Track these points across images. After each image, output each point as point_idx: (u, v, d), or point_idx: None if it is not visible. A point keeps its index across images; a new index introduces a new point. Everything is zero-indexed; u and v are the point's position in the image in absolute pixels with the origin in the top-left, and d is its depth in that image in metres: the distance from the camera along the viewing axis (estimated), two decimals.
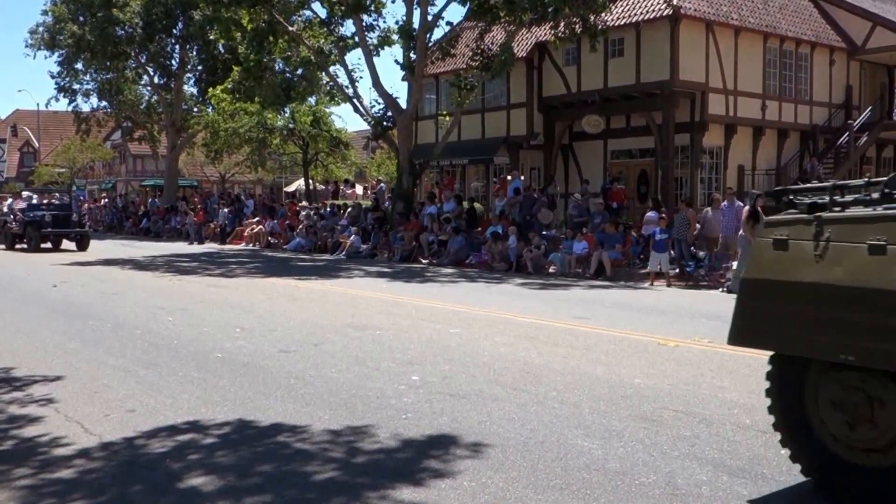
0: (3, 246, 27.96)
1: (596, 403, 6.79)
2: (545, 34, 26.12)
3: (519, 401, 6.90)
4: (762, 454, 5.48)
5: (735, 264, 15.80)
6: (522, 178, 26.35)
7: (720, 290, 15.65)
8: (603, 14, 23.54)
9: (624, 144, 27.56)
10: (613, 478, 5.04)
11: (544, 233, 21.30)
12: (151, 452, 5.67)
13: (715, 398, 6.96)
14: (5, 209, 30.25)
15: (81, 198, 48.24)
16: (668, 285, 16.69)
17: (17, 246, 27.33)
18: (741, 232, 14.94)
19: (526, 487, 4.90)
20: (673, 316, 12.22)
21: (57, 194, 34.52)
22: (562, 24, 23.69)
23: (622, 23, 25.15)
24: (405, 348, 9.31)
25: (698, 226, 18.36)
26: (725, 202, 17.94)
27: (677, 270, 17.36)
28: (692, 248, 17.84)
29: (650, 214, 19.13)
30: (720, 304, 13.61)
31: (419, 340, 9.85)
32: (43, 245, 26.77)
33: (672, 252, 17.77)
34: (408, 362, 8.50)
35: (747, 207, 14.59)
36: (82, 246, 26.90)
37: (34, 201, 29.48)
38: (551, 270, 19.36)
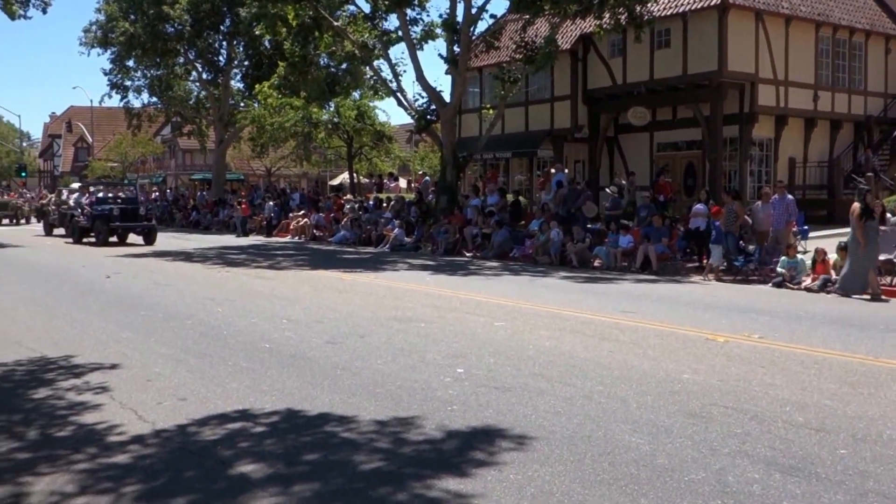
0: (70, 239, 28.12)
1: (643, 398, 6.74)
2: (590, 26, 25.92)
3: (565, 394, 6.88)
4: (816, 453, 5.39)
5: (787, 258, 15.56)
6: (566, 171, 26.19)
7: (769, 284, 15.40)
8: (649, 4, 23.28)
9: (670, 137, 27.25)
10: (662, 474, 5.00)
11: (589, 226, 21.15)
12: (202, 439, 5.78)
13: (766, 395, 6.86)
14: (72, 202, 30.40)
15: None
16: (717, 280, 16.47)
17: (85, 239, 27.18)
18: (850, 228, 14.23)
19: (573, 481, 4.89)
20: (721, 311, 12.05)
21: (125, 188, 34.73)
22: (607, 15, 23.47)
23: (669, 13, 24.85)
24: (450, 341, 9.33)
25: (747, 219, 18.07)
26: (776, 195, 17.63)
27: (725, 265, 17.11)
28: (741, 242, 17.56)
29: (699, 207, 18.86)
30: (770, 300, 13.44)
31: (464, 333, 9.86)
32: (109, 238, 26.50)
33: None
34: (453, 355, 8.52)
35: (857, 204, 14.17)
36: (149, 240, 26.64)
37: (100, 195, 29.33)
38: (596, 264, 19.21)
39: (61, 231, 30.45)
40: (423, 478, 4.96)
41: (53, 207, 32.75)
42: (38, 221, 35.69)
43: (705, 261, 17.46)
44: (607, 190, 23.02)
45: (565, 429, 5.90)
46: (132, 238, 27.08)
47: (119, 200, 28.59)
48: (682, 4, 24.70)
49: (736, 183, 24.82)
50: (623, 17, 23.28)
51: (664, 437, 5.69)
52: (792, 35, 25.37)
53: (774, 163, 26.02)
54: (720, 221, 17.41)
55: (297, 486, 4.84)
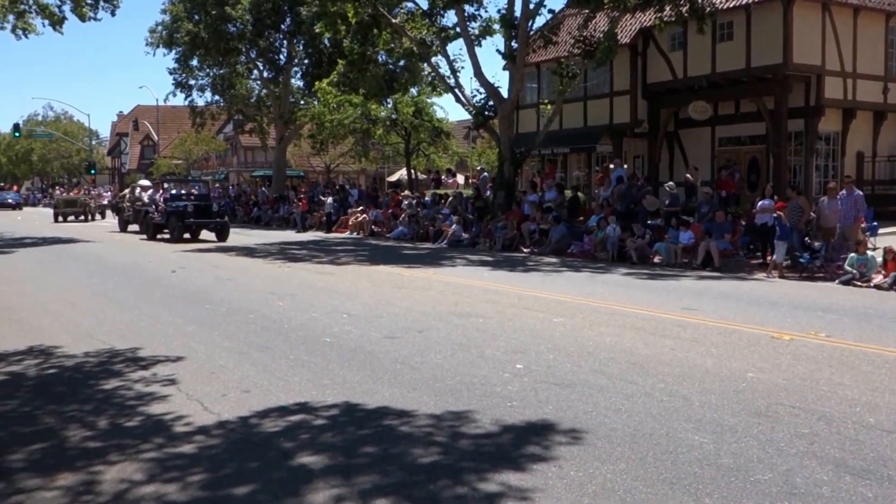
0: (144, 236, 28.38)
1: (706, 397, 6.64)
2: (650, 19, 25.57)
3: (626, 391, 6.81)
4: (888, 455, 5.24)
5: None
6: (625, 166, 25.90)
7: (836, 282, 15.02)
8: None
9: (733, 131, 26.74)
10: (726, 474, 4.92)
11: (649, 222, 20.88)
12: (265, 431, 5.87)
13: (834, 395, 6.69)
14: (146, 199, 30.75)
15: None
16: (781, 277, 16.12)
17: (159, 236, 27.37)
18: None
19: (634, 480, 4.84)
20: (786, 308, 11.77)
21: (198, 184, 35.04)
22: (668, 8, 23.13)
23: (731, 5, 24.38)
24: (509, 336, 9.32)
25: (813, 215, 17.65)
26: (843, 191, 17.18)
27: (789, 262, 16.73)
28: (806, 238, 17.16)
29: (765, 202, 18.46)
30: (837, 298, 13.11)
31: (523, 329, 9.83)
32: (183, 235, 26.40)
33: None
34: (512, 350, 8.50)
35: None
36: (222, 236, 26.54)
37: (173, 191, 29.52)
38: (656, 260, 18.98)
39: (136, 228, 30.86)
40: (481, 472, 4.97)
41: (128, 204, 33.14)
42: (114, 217, 36.27)
43: (769, 257, 17.09)
44: (666, 187, 22.70)
45: (626, 426, 5.84)
46: (203, 234, 27.06)
47: (192, 197, 28.78)
48: None
49: (801, 178, 24.24)
50: (684, 9, 22.91)
51: (728, 437, 5.60)
52: (860, 26, 24.65)
53: (841, 157, 25.33)
54: (785, 217, 17.03)
55: (356, 478, 4.90)
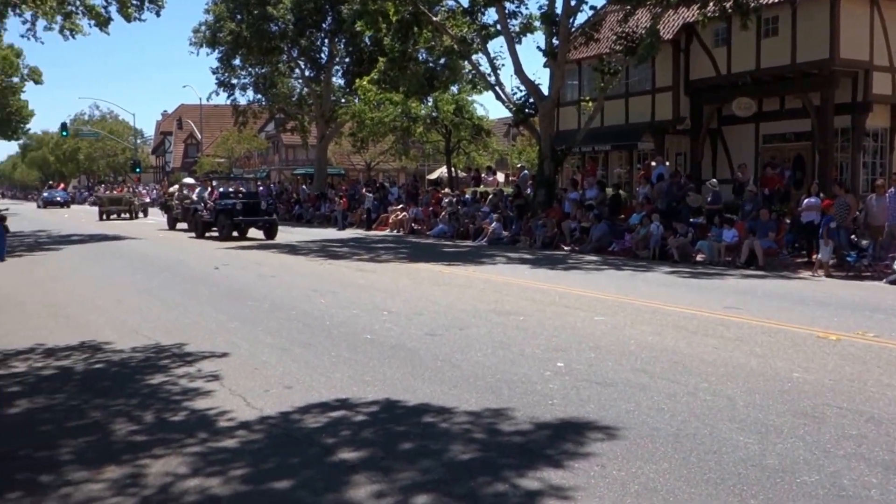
0: (193, 234, 28.34)
1: (751, 397, 6.54)
2: (693, 15, 25.24)
3: (668, 391, 6.74)
4: None
5: None
6: (667, 163, 25.63)
7: (884, 281, 14.71)
8: None
9: (777, 128, 26.28)
10: (772, 475, 4.84)
11: (692, 220, 20.65)
12: (306, 426, 5.92)
13: (883, 396, 6.56)
14: (195, 197, 30.73)
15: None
16: (827, 276, 15.83)
17: (207, 234, 27.24)
18: None
19: (678, 480, 4.79)
20: (833, 308, 11.56)
21: (247, 182, 34.95)
22: (711, 4, 22.82)
23: (776, 0, 23.95)
24: (549, 335, 9.28)
25: (860, 213, 17.30)
26: (892, 188, 16.81)
27: (835, 260, 16.43)
28: (853, 236, 16.83)
29: (811, 200, 18.15)
30: (886, 297, 12.86)
31: (563, 327, 9.79)
32: (232, 233, 26.18)
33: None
34: (553, 349, 8.47)
35: None
36: (271, 234, 26.38)
37: (221, 189, 29.33)
38: (698, 259, 18.77)
39: (184, 226, 30.87)
40: (522, 469, 4.95)
41: (177, 202, 33.09)
42: (162, 215, 36.32)
43: (815, 256, 16.80)
44: (708, 184, 22.42)
45: (669, 426, 5.78)
46: (251, 233, 26.90)
47: (240, 195, 28.63)
48: None
49: (847, 175, 23.76)
50: (728, 4, 22.58)
51: (774, 437, 5.51)
52: None
53: (890, 154, 24.78)
54: (831, 215, 16.72)
55: (396, 474, 4.91)
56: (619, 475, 4.86)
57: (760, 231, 17.89)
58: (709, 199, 21.48)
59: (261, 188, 44.39)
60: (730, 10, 22.78)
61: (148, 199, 50.74)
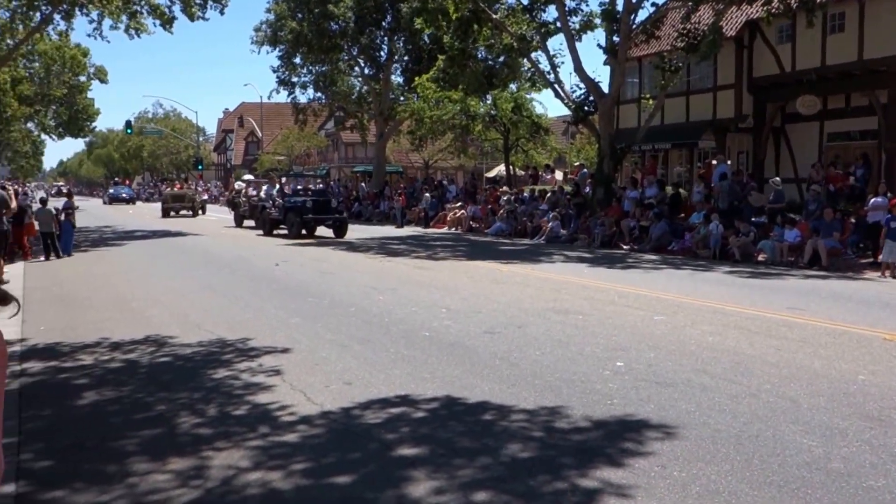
0: (260, 231, 28.07)
1: (815, 399, 6.42)
2: (757, 11, 24.73)
3: (730, 392, 6.65)
4: None
5: None
6: (729, 162, 25.18)
7: None
8: None
9: (842, 126, 25.60)
10: (837, 479, 4.75)
11: (753, 219, 20.26)
12: (366, 422, 5.99)
13: None
14: (263, 194, 30.52)
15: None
16: (894, 277, 15.39)
17: (275, 232, 26.85)
18: None
19: (740, 482, 4.73)
20: None
21: (316, 179, 34.76)
22: (776, 0, 22.34)
23: None
24: (609, 334, 9.22)
25: None
26: None
27: None
28: None
29: (878, 200, 17.66)
30: None
31: (623, 326, 9.71)
32: (301, 231, 25.70)
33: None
34: (612, 348, 8.41)
35: None
36: (340, 233, 25.89)
37: (288, 187, 29.06)
38: (760, 259, 18.41)
39: (251, 223, 30.66)
40: (581, 468, 4.95)
41: (244, 199, 32.93)
42: (230, 212, 36.45)
43: (880, 257, 16.35)
44: (771, 183, 21.96)
45: (731, 427, 5.70)
46: (319, 230, 26.55)
47: (309, 192, 28.27)
48: None
49: None
50: (793, 1, 22.09)
51: (839, 441, 5.40)
52: None
53: None
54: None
55: (456, 471, 4.94)
56: (679, 476, 4.81)
57: (825, 231, 17.48)
58: (771, 197, 21.05)
59: (320, 185, 44.83)
60: (795, 7, 22.28)
61: (205, 196, 51.48)
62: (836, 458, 5.09)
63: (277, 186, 30.52)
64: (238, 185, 40.48)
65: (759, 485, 4.68)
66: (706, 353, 8.11)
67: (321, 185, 35.55)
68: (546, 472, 4.92)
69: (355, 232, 28.55)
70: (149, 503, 4.63)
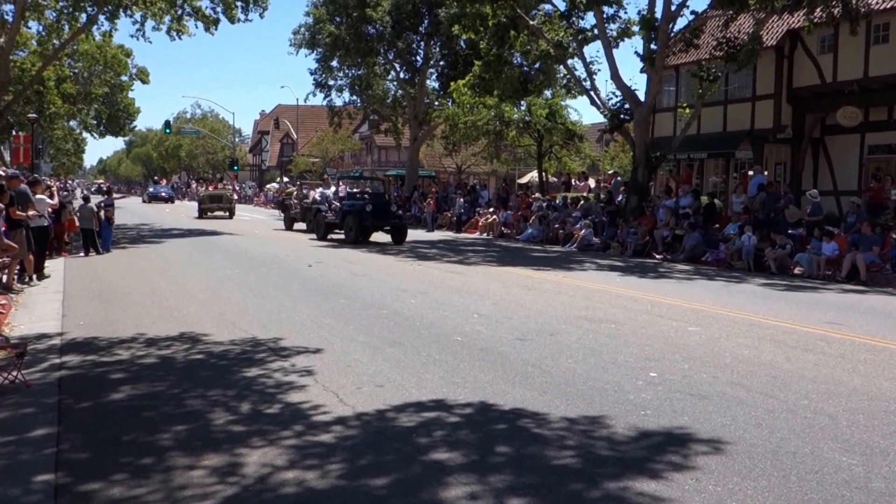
0: (313, 235, 26.82)
1: (854, 416, 6.31)
2: (798, 20, 24.48)
3: (766, 406, 6.56)
4: None
5: None
6: (766, 173, 24.89)
7: None
8: None
9: (885, 138, 25.22)
10: (878, 498, 4.67)
11: (790, 231, 20.01)
12: (399, 425, 5.99)
13: None
14: (317, 196, 28.92)
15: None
16: None
17: (330, 236, 25.94)
18: None
19: (777, 499, 4.66)
20: None
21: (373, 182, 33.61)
22: (818, 9, 22.06)
23: (888, 6, 23.01)
24: (642, 343, 9.14)
25: None
26: None
27: None
28: None
29: None
30: None
31: (656, 336, 9.63)
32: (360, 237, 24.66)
33: None
34: (645, 358, 8.34)
35: None
36: (399, 238, 24.84)
37: (344, 190, 27.95)
38: (796, 272, 18.18)
39: (302, 226, 29.75)
40: (616, 478, 4.91)
41: (295, 201, 31.54)
42: (280, 214, 35.56)
43: None
44: (808, 195, 21.68)
45: (768, 442, 5.63)
46: (374, 236, 25.84)
47: (367, 196, 27.02)
48: None
49: None
50: (836, 10, 21.81)
51: (880, 460, 5.30)
52: None
53: None
54: None
55: (490, 477, 4.92)
56: (715, 490, 4.75)
57: (864, 245, 17.21)
58: (808, 210, 20.79)
59: (379, 188, 44.88)
60: (838, 17, 21.99)
61: (236, 197, 51.72)
62: (876, 477, 5.00)
63: (333, 188, 29.65)
64: (293, 188, 39.33)
65: (796, 502, 4.60)
66: (742, 366, 8.01)
67: (380, 189, 34.55)
68: (580, 480, 4.88)
69: (386, 235, 28.57)
70: (185, 498, 4.66)
